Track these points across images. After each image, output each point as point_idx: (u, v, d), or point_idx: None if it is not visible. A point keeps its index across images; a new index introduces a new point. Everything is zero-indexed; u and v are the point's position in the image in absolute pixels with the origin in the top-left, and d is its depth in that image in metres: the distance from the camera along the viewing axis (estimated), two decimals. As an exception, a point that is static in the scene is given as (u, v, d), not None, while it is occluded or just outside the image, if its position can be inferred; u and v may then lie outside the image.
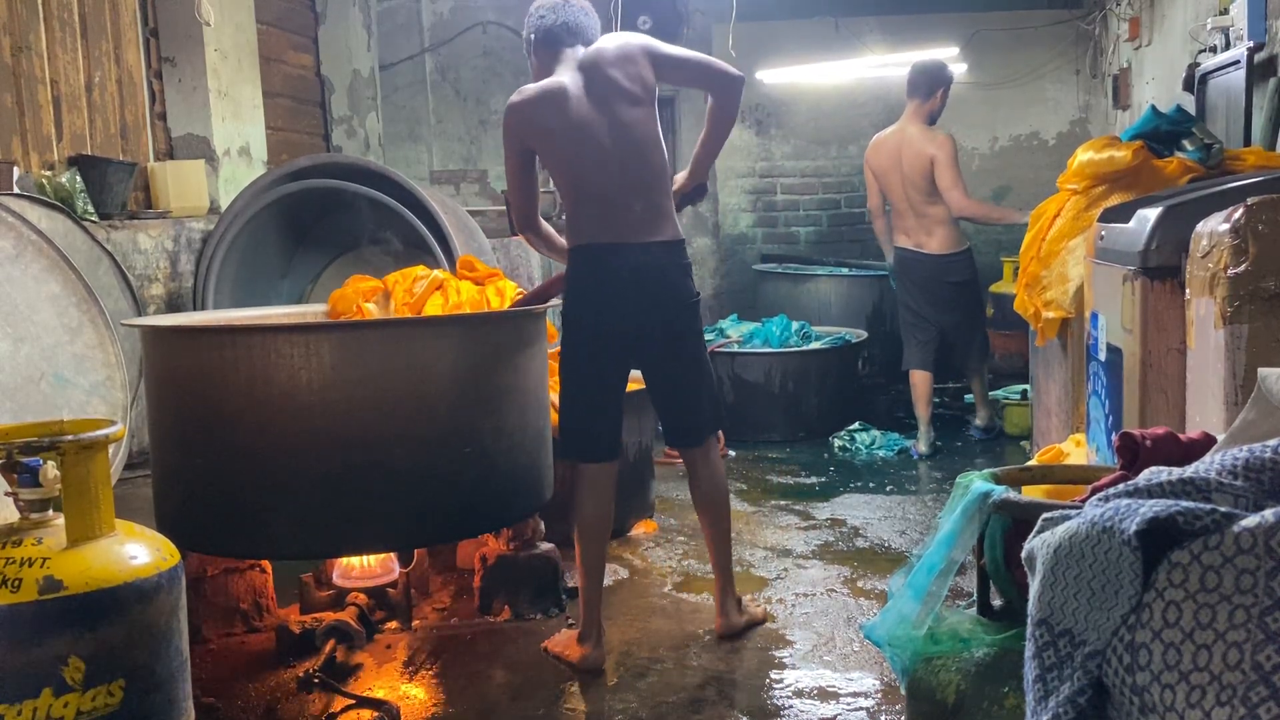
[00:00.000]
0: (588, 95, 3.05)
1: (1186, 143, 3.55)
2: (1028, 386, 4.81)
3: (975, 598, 2.06)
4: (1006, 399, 5.86)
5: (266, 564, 3.42)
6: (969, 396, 6.17)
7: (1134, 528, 1.14)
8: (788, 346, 6.10)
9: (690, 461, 3.29)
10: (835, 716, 2.75)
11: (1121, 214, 3.05)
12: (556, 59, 3.13)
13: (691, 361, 3.21)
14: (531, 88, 3.08)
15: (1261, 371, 1.47)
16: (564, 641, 3.16)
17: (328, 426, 2.92)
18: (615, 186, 3.05)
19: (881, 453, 5.62)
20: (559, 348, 3.22)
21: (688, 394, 3.23)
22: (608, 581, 3.76)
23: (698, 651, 3.17)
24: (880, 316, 6.86)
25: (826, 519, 4.48)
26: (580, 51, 3.13)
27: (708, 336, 5.24)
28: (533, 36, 3.18)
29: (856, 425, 5.90)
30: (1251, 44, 4.13)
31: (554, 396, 3.38)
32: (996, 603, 2.03)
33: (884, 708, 2.78)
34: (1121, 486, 1.30)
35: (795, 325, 6.37)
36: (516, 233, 3.26)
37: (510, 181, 3.16)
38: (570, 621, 3.38)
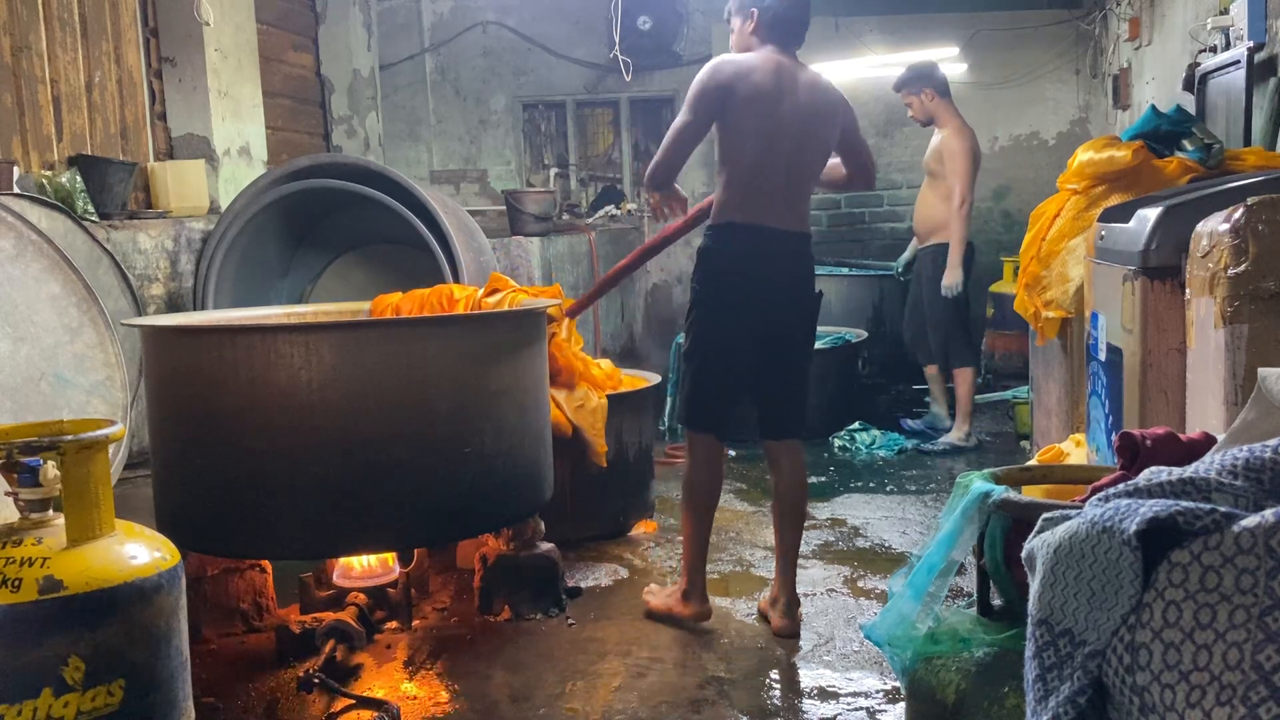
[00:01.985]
0: (792, 88, 3.15)
1: (1186, 143, 3.55)
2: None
3: (975, 598, 2.06)
4: (1015, 399, 5.85)
5: (266, 564, 3.42)
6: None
7: (1134, 528, 1.14)
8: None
9: (780, 454, 3.33)
10: (835, 716, 2.75)
11: (1121, 214, 3.05)
12: (768, 48, 3.19)
13: (804, 354, 3.33)
14: (749, 57, 3.16)
15: (1261, 371, 1.47)
16: (668, 601, 3.36)
17: (328, 426, 2.92)
18: (779, 171, 3.16)
19: (881, 453, 5.62)
20: (690, 318, 3.28)
21: (793, 385, 3.32)
22: (607, 582, 3.77)
23: (698, 651, 3.17)
24: (880, 316, 6.86)
25: (826, 519, 4.48)
26: (794, 60, 3.22)
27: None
28: (755, 11, 3.20)
29: (856, 425, 5.90)
30: (1251, 44, 4.13)
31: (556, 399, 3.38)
32: (996, 603, 2.03)
33: (884, 708, 2.78)
34: (1121, 486, 1.30)
35: None
36: (650, 189, 3.27)
37: (678, 136, 3.14)
38: (570, 621, 3.39)
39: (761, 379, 3.30)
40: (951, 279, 5.46)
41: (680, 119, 3.15)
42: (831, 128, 3.23)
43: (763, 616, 3.40)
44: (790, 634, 3.24)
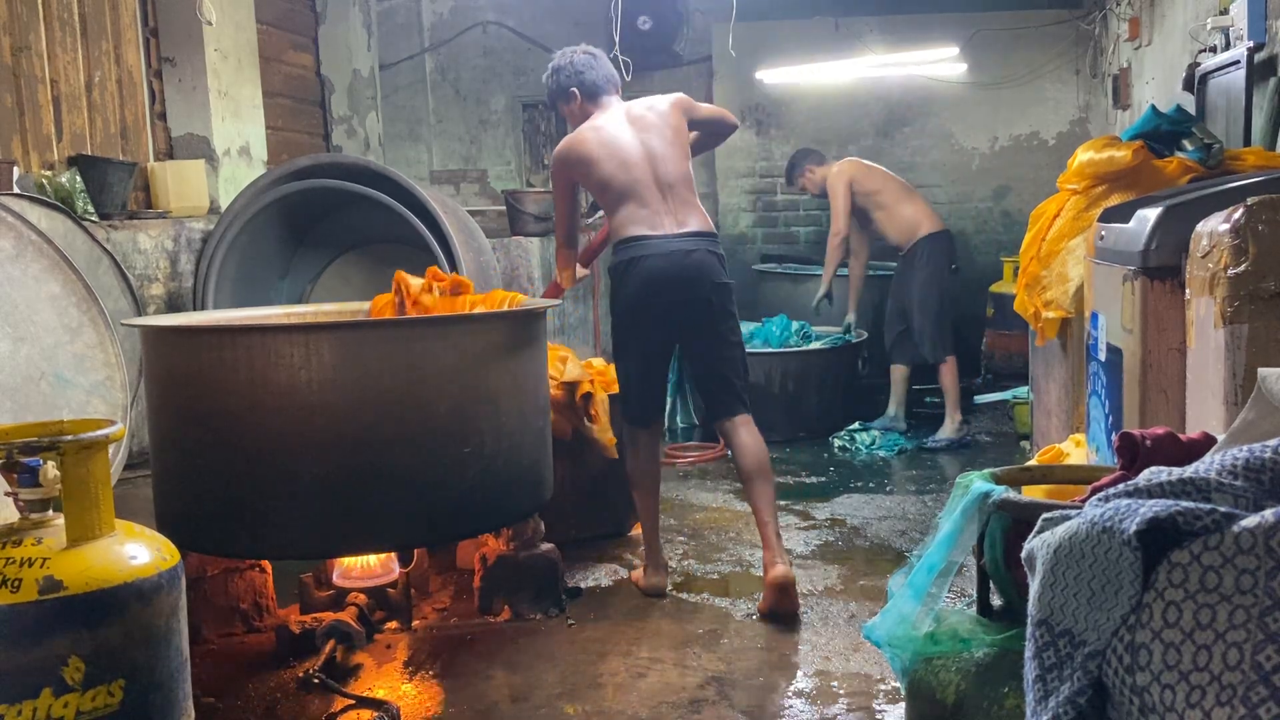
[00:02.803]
0: (624, 124, 3.69)
1: (1186, 143, 3.55)
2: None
3: (975, 598, 2.06)
4: (1015, 399, 5.85)
5: (266, 564, 3.42)
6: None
7: (1134, 528, 1.14)
8: (788, 346, 6.10)
9: (731, 431, 3.64)
10: (835, 716, 2.75)
11: (1121, 214, 3.05)
12: (598, 105, 3.78)
13: (728, 338, 3.65)
14: (578, 134, 3.72)
15: (1261, 371, 1.47)
16: (637, 575, 3.73)
17: (328, 426, 2.92)
18: (646, 188, 3.61)
19: (881, 453, 5.63)
20: (611, 330, 3.77)
21: (727, 368, 3.64)
22: (607, 582, 3.78)
23: (698, 651, 3.17)
24: (880, 316, 6.86)
25: (826, 519, 4.48)
26: (615, 98, 3.81)
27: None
28: (575, 90, 3.79)
29: (856, 425, 5.90)
30: (1251, 44, 4.12)
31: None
32: (996, 603, 2.03)
33: (884, 708, 2.78)
34: (1121, 486, 1.30)
35: (795, 325, 6.37)
36: (561, 250, 3.94)
37: (559, 209, 3.83)
38: (570, 621, 3.39)
39: (694, 369, 3.81)
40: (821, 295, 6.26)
41: (555, 208, 3.86)
42: (674, 126, 3.69)
43: (762, 616, 3.41)
44: (790, 580, 3.42)
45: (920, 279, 5.83)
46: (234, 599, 3.36)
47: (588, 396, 3.93)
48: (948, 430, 5.72)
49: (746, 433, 3.61)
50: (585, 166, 3.65)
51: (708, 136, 3.93)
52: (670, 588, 3.72)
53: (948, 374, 5.78)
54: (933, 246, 5.85)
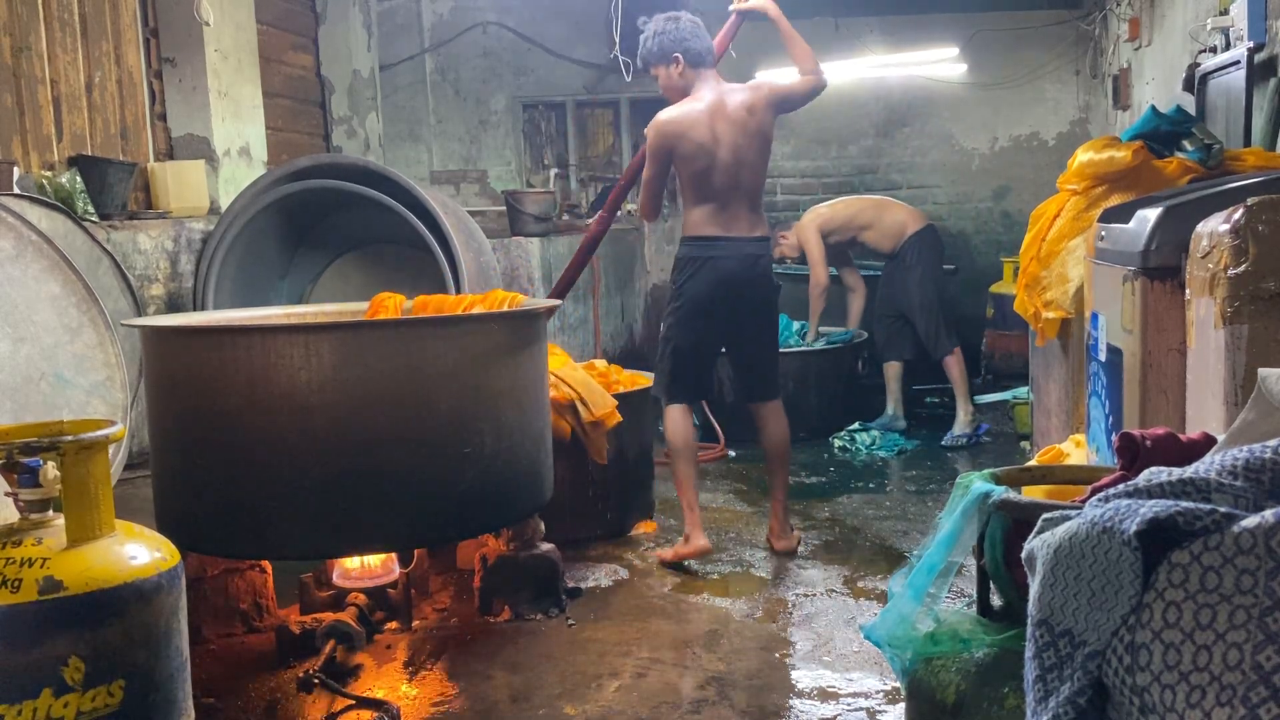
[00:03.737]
0: (724, 118, 3.87)
1: (1186, 143, 3.55)
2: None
3: (975, 598, 2.06)
4: (1015, 399, 5.85)
5: (266, 564, 3.42)
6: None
7: (1134, 528, 1.14)
8: (788, 347, 6.10)
9: (763, 413, 4.07)
10: (835, 716, 2.75)
11: (1121, 214, 3.05)
12: (699, 76, 3.93)
13: (771, 334, 4.15)
14: (684, 113, 3.87)
15: (1261, 372, 1.47)
16: (675, 549, 3.92)
17: (327, 427, 2.92)
18: (729, 191, 3.90)
19: (881, 453, 5.62)
20: (669, 310, 4.06)
21: (766, 359, 4.08)
22: (607, 582, 3.78)
23: (698, 651, 3.17)
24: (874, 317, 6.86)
25: (826, 519, 4.48)
26: (713, 72, 3.98)
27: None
28: (680, 55, 3.91)
29: (856, 425, 5.90)
30: (1251, 44, 4.12)
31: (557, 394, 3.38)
32: (996, 603, 2.03)
33: (884, 708, 2.78)
34: (1121, 487, 1.29)
35: (795, 325, 6.37)
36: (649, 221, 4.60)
37: (648, 179, 3.98)
38: (571, 622, 3.39)
39: (736, 358, 4.24)
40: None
41: (646, 171, 3.98)
42: (763, 120, 3.93)
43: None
44: (789, 551, 3.98)
45: (915, 278, 5.89)
46: (234, 599, 3.36)
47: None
48: (961, 424, 5.74)
49: (775, 419, 4.07)
50: (684, 150, 3.85)
51: (803, 100, 4.14)
52: (670, 588, 3.72)
53: (955, 366, 5.82)
54: (920, 244, 5.94)
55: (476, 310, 3.50)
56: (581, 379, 4.06)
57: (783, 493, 4.06)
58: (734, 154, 3.87)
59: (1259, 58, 4.11)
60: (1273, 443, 1.22)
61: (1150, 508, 1.14)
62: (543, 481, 3.41)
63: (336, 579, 3.39)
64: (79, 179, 4.21)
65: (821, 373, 6.06)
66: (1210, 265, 2.29)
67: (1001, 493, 1.92)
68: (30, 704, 1.93)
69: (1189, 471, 1.24)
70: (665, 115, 3.89)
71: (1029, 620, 1.28)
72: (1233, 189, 2.76)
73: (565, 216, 6.90)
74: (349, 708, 2.80)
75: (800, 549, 4.08)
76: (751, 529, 4.36)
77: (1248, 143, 4.07)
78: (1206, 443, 1.64)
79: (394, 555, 3.45)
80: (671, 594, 3.66)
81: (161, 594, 2.11)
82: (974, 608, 2.06)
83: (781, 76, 4.49)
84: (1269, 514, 1.06)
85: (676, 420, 4.02)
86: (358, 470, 2.93)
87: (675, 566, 3.90)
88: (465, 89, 8.36)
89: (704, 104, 3.88)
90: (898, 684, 2.49)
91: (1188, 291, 2.46)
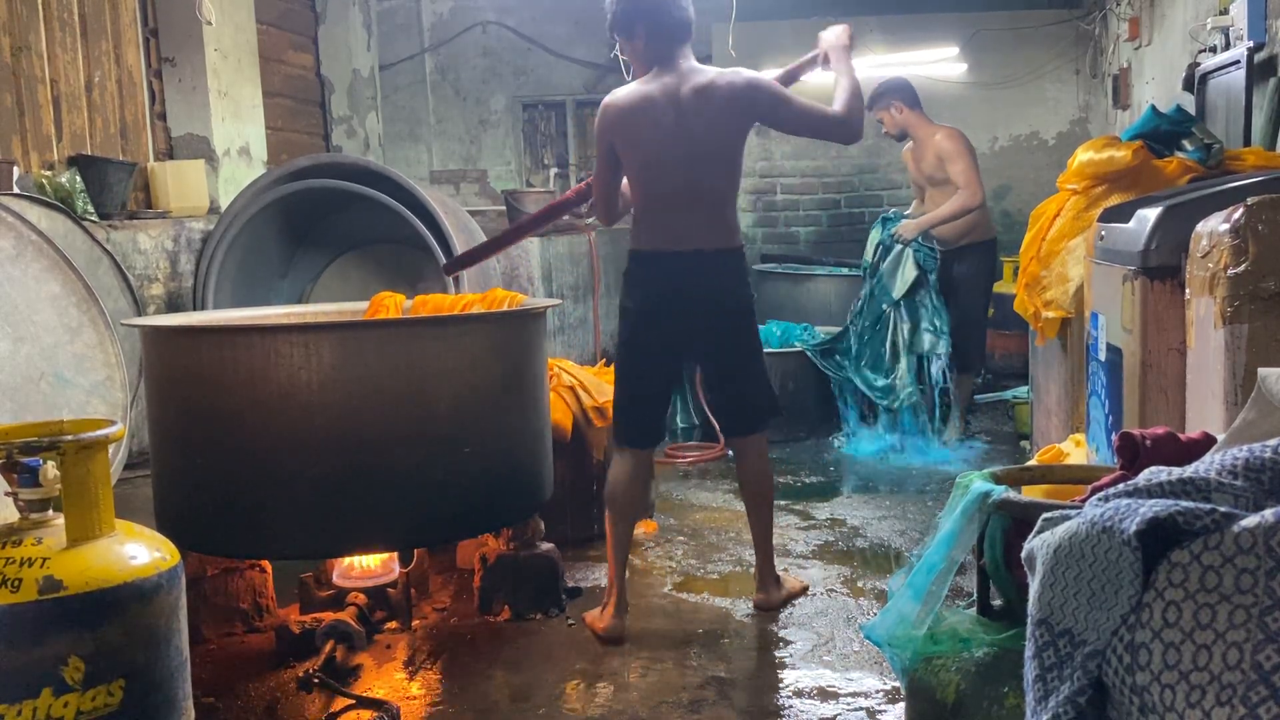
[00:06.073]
0: (679, 107, 3.18)
1: (1186, 143, 3.55)
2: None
3: (975, 598, 2.06)
4: (1015, 399, 5.85)
5: (266, 564, 3.42)
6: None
7: (1134, 528, 1.14)
8: (789, 347, 6.10)
9: (740, 449, 3.49)
10: (835, 716, 2.75)
11: (1121, 214, 3.05)
12: (664, 54, 3.24)
13: (744, 359, 3.39)
14: (626, 100, 3.23)
15: (1261, 371, 1.47)
16: (593, 616, 3.32)
17: (327, 426, 2.92)
18: (677, 197, 3.23)
19: (881, 453, 5.61)
20: (617, 341, 3.51)
21: (739, 388, 3.41)
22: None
23: (698, 651, 3.17)
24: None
25: (826, 519, 4.48)
26: (686, 50, 3.28)
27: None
28: (641, 27, 3.24)
29: (856, 425, 5.89)
30: (1251, 44, 4.12)
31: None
32: (996, 603, 2.03)
33: (884, 708, 2.78)
34: (1121, 486, 1.29)
35: (799, 328, 6.37)
36: (606, 223, 3.59)
37: (598, 178, 3.37)
38: (570, 621, 3.39)
39: (710, 386, 3.58)
40: (912, 232, 5.49)
41: (597, 163, 3.38)
42: (734, 128, 3.23)
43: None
44: (765, 607, 3.41)
45: (966, 286, 5.60)
46: (234, 599, 3.36)
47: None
48: (957, 429, 5.72)
49: (754, 456, 3.45)
50: (626, 139, 3.23)
51: (806, 131, 3.46)
52: (670, 587, 3.72)
53: (968, 385, 5.76)
54: (984, 253, 5.63)
55: (476, 310, 3.50)
56: (580, 370, 4.07)
57: (766, 544, 3.46)
58: (688, 148, 3.17)
59: (1259, 57, 4.11)
60: (1273, 442, 1.22)
61: (1150, 507, 1.14)
62: (543, 481, 3.40)
63: (336, 579, 3.39)
64: (79, 179, 4.22)
65: (822, 373, 6.05)
66: (1210, 265, 2.29)
67: (1001, 492, 1.92)
68: (30, 703, 1.93)
69: (1189, 471, 1.24)
70: (610, 96, 3.27)
71: (1029, 620, 1.28)
72: (1233, 189, 2.76)
73: (565, 216, 6.89)
74: (349, 707, 2.80)
75: (800, 549, 4.08)
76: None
77: (1248, 142, 4.07)
78: (1206, 442, 1.64)
79: (394, 555, 3.45)
80: (671, 594, 3.66)
81: (161, 594, 2.11)
82: (974, 608, 2.06)
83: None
84: (1269, 513, 1.06)
85: (617, 469, 3.34)
86: (358, 470, 2.93)
87: (673, 568, 3.90)
88: (465, 89, 8.36)
89: (658, 85, 3.20)
90: (898, 684, 2.49)
91: (1187, 291, 2.46)
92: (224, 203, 5.07)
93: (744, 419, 3.44)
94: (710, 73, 3.23)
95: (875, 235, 5.74)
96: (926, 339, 5.52)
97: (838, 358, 5.85)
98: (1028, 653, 1.28)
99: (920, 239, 5.51)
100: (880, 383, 5.63)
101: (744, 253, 3.36)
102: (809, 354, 5.88)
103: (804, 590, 3.54)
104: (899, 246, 5.54)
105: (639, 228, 3.31)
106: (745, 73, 3.27)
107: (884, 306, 5.60)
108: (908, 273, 5.51)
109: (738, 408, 3.44)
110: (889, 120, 5.65)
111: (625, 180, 3.35)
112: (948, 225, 5.50)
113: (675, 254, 3.23)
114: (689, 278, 3.23)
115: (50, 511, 2.11)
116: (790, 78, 3.50)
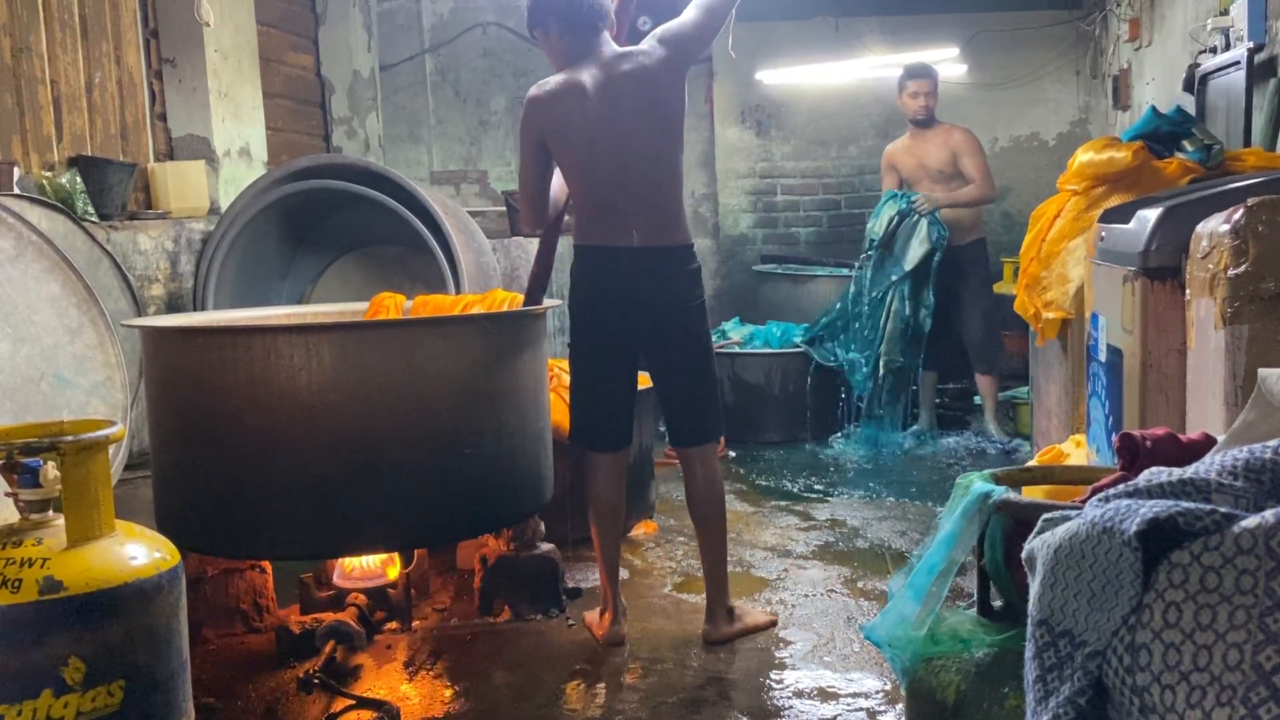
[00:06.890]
0: (608, 97, 3.07)
1: (1186, 143, 3.55)
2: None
3: (975, 598, 2.06)
4: (1015, 399, 5.86)
5: (266, 564, 3.42)
6: (976, 398, 6.19)
7: (1134, 528, 1.14)
8: (788, 347, 6.10)
9: (687, 461, 3.30)
10: (835, 717, 2.75)
11: (1121, 214, 3.05)
12: (582, 44, 3.12)
13: (694, 363, 3.24)
14: (554, 91, 3.09)
15: (1261, 372, 1.47)
16: (592, 618, 3.32)
17: (327, 427, 2.92)
18: (615, 189, 3.11)
19: (882, 453, 5.62)
20: (569, 341, 3.33)
21: (688, 395, 3.27)
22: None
23: (698, 651, 3.17)
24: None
25: (826, 519, 4.48)
26: (604, 38, 3.15)
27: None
28: (553, 18, 3.12)
29: (856, 425, 5.89)
30: (1251, 44, 4.12)
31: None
32: (996, 603, 2.03)
33: (884, 708, 2.78)
34: (1121, 487, 1.30)
35: (799, 329, 6.37)
36: (525, 230, 3.27)
37: (522, 181, 3.23)
38: (570, 622, 3.39)
39: (659, 391, 3.36)
40: (931, 204, 5.63)
41: (520, 163, 3.23)
42: (663, 91, 3.10)
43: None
44: (712, 640, 3.20)
45: (972, 283, 5.76)
46: (234, 599, 3.36)
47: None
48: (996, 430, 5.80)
49: (702, 467, 3.26)
50: (555, 135, 3.10)
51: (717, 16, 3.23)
52: (670, 587, 3.72)
53: (995, 385, 5.84)
54: (984, 252, 5.85)
55: (476, 310, 3.50)
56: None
57: (717, 570, 3.27)
58: (619, 139, 3.06)
59: (1259, 58, 4.11)
60: (1273, 443, 1.22)
61: (1150, 508, 1.14)
62: (543, 481, 3.41)
63: (336, 579, 3.39)
64: (79, 179, 4.21)
65: (822, 373, 6.05)
66: (1210, 265, 2.29)
67: (1002, 493, 1.92)
68: (30, 704, 1.93)
69: (1189, 472, 1.24)
70: (535, 88, 3.11)
71: (1029, 620, 1.28)
72: (1233, 189, 2.77)
73: (566, 217, 6.90)
74: (349, 708, 2.80)
75: (800, 549, 4.08)
76: (752, 529, 4.36)
77: (1248, 143, 4.07)
78: (1206, 443, 1.65)
79: (394, 555, 3.45)
80: (671, 594, 3.66)
81: (161, 594, 2.11)
82: (974, 608, 2.06)
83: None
84: (1269, 514, 1.06)
85: (593, 473, 3.27)
86: (358, 470, 2.93)
87: (673, 568, 3.90)
88: (465, 89, 8.36)
89: (582, 75, 3.08)
90: (898, 684, 2.49)
91: (1188, 292, 2.46)
92: (224, 204, 5.07)
93: (692, 429, 3.27)
94: (631, 51, 3.14)
95: (890, 208, 5.81)
96: (924, 318, 5.65)
97: (829, 344, 5.95)
98: (1028, 653, 1.28)
99: (935, 215, 5.63)
100: (864, 369, 5.73)
101: (693, 251, 3.21)
102: (801, 344, 5.97)
103: (770, 624, 3.30)
104: (915, 216, 5.64)
105: (580, 221, 3.19)
106: (647, 45, 3.17)
107: (892, 278, 5.67)
108: (921, 244, 5.60)
109: (685, 415, 3.27)
110: (931, 100, 5.84)
111: (555, 181, 3.24)
112: (957, 216, 5.67)
113: (617, 249, 3.11)
114: (633, 276, 3.12)
115: (50, 512, 2.11)
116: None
